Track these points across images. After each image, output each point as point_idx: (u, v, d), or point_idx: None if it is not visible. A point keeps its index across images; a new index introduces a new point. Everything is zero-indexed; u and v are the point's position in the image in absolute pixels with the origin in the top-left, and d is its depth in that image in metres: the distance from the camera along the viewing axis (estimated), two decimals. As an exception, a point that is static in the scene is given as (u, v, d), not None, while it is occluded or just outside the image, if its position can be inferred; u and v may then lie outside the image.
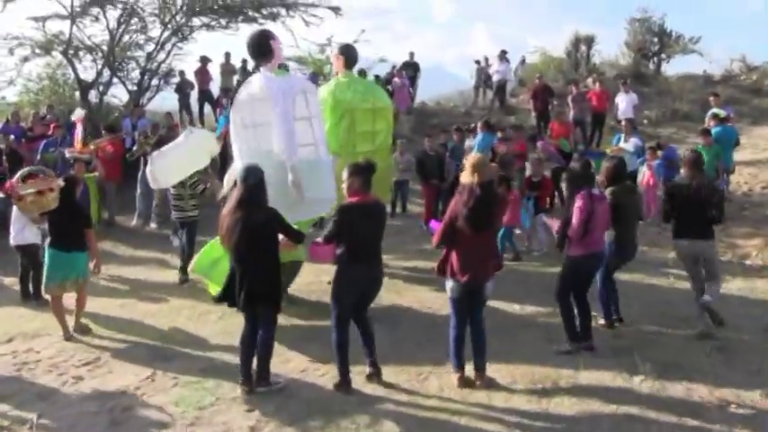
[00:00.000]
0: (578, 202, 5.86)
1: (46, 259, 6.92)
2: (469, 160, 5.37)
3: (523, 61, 22.68)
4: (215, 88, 17.29)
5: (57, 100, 15.86)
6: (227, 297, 5.57)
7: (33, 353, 6.56)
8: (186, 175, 8.48)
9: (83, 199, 9.22)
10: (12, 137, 12.38)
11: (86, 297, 7.17)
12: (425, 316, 7.35)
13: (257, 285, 5.26)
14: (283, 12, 16.57)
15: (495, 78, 19.48)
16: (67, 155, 10.45)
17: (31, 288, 8.29)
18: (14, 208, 7.90)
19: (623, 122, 13.15)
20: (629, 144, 11.66)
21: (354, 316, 5.47)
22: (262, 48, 6.83)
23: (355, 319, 5.50)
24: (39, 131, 13.23)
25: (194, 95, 17.06)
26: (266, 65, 6.85)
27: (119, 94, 17.34)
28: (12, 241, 8.21)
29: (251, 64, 17.38)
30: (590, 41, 22.41)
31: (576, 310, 6.13)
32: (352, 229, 5.20)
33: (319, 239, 5.48)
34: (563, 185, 12.08)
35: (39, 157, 12.05)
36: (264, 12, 16.62)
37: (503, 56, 19.44)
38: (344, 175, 5.36)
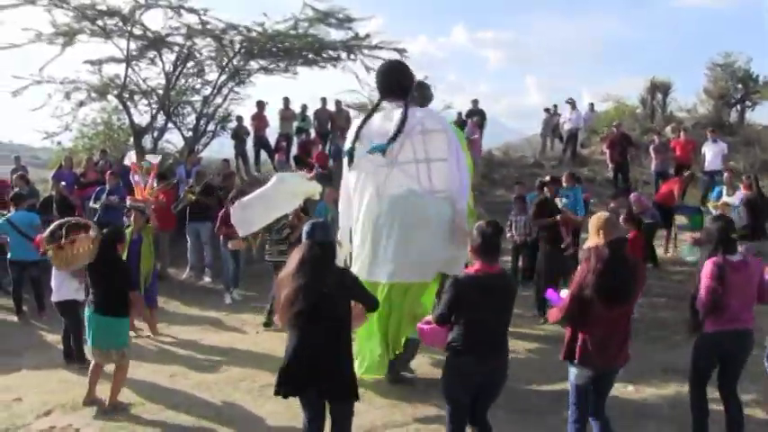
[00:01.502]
0: (707, 268, 4.74)
1: (86, 320, 6.12)
2: (594, 219, 4.37)
3: (592, 109, 21.58)
4: (271, 134, 16.68)
5: (111, 145, 15.45)
6: (282, 383, 4.36)
7: (72, 429, 5.66)
8: (270, 220, 7.99)
9: (134, 253, 8.49)
10: (63, 183, 11.87)
11: (126, 372, 6.21)
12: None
13: (326, 371, 4.16)
14: (344, 55, 15.88)
15: (566, 127, 18.38)
16: (129, 203, 9.74)
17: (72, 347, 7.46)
18: None
19: (726, 174, 11.79)
20: (734, 198, 10.35)
21: (471, 417, 4.37)
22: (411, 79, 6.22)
23: (471, 421, 4.39)
24: (91, 177, 12.74)
25: (251, 141, 16.42)
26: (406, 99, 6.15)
27: (173, 140, 16.91)
28: (52, 297, 7.44)
29: (311, 109, 16.87)
30: (667, 88, 21.14)
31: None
32: (469, 310, 4.15)
33: (429, 318, 4.45)
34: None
35: (90, 204, 11.53)
36: (325, 55, 16.00)
37: (573, 104, 18.45)
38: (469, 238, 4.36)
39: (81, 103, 15.31)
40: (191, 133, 16.15)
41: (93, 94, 15.23)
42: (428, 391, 6.18)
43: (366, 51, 15.82)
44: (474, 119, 17.67)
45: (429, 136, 6.04)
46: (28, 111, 14.91)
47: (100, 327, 5.97)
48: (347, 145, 6.36)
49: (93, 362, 6.19)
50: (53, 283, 7.34)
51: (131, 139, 15.46)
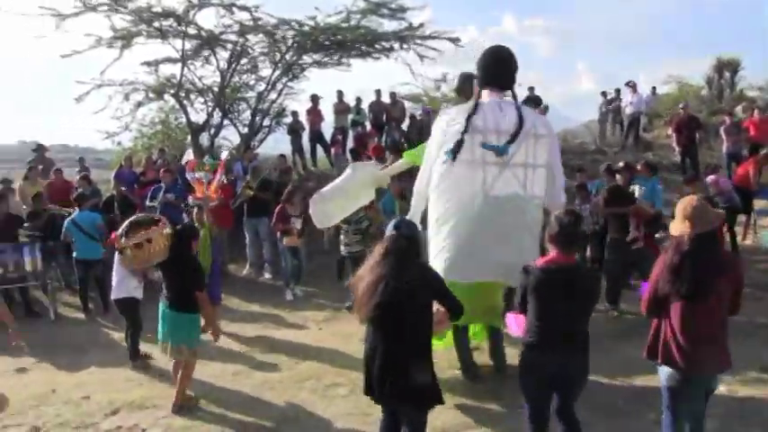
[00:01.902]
0: None
1: (159, 318, 6.08)
2: (682, 204, 3.97)
3: (654, 92, 20.78)
4: (326, 128, 16.61)
5: (169, 144, 15.61)
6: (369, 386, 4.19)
7: (139, 429, 5.64)
8: (350, 212, 8.04)
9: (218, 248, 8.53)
10: (123, 188, 11.97)
11: (192, 370, 6.16)
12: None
13: (404, 375, 3.94)
14: (396, 46, 15.63)
15: (627, 111, 17.69)
16: (191, 201, 9.75)
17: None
18: (115, 258, 7.23)
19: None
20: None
21: (557, 411, 4.13)
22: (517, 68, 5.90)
23: (557, 414, 4.14)
24: (151, 176, 12.84)
25: (306, 136, 16.36)
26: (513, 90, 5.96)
27: (230, 137, 16.97)
28: (111, 295, 7.48)
29: (366, 102, 16.67)
30: (735, 67, 20.17)
31: None
32: (538, 301, 3.92)
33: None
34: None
35: (147, 203, 11.62)
36: (378, 46, 15.78)
37: (635, 87, 17.77)
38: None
39: (139, 104, 15.52)
40: (246, 129, 16.16)
41: (151, 95, 15.41)
42: (499, 391, 5.98)
43: (419, 41, 15.54)
44: (541, 106, 17.24)
45: (539, 141, 5.80)
46: (90, 114, 15.23)
47: (172, 322, 5.93)
48: (449, 137, 5.80)
49: (172, 360, 6.14)
50: (113, 281, 7.37)
51: (188, 137, 15.57)
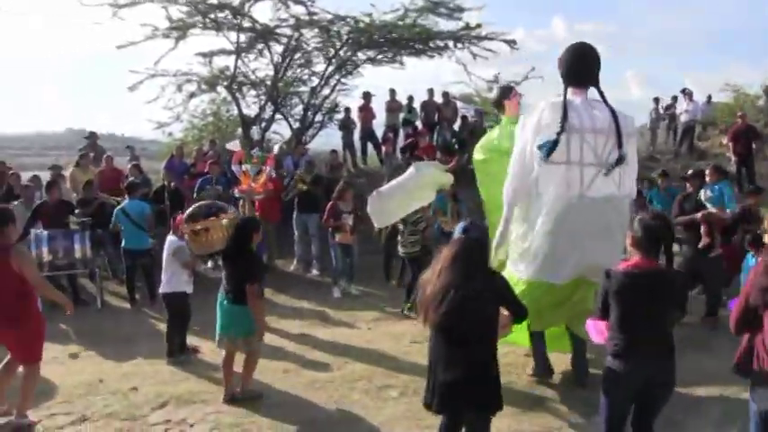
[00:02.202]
0: None
1: (217, 307, 5.93)
2: None
3: (709, 100, 20.11)
4: (377, 126, 16.42)
5: (220, 136, 15.58)
6: (432, 395, 4.00)
7: (186, 425, 5.47)
8: (409, 211, 7.93)
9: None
10: (173, 177, 11.97)
11: (256, 360, 6.02)
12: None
13: (471, 382, 3.78)
14: (451, 45, 15.37)
15: (682, 119, 17.29)
16: (236, 193, 9.63)
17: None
18: (164, 252, 7.15)
19: None
20: None
21: (633, 422, 3.89)
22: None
23: (633, 426, 3.91)
24: (201, 168, 12.79)
25: (357, 133, 16.18)
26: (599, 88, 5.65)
27: (281, 131, 16.89)
28: (160, 288, 7.32)
29: (418, 101, 16.45)
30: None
31: None
32: (621, 307, 3.67)
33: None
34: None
35: (195, 195, 11.56)
36: (432, 45, 15.55)
37: (691, 95, 17.31)
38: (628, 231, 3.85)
39: (192, 95, 15.56)
40: (298, 124, 16.05)
41: (204, 86, 15.42)
42: (569, 399, 5.73)
43: (475, 41, 15.26)
44: None
45: (630, 140, 5.61)
46: (139, 104, 15.43)
47: (230, 314, 5.79)
48: (544, 136, 5.50)
49: (224, 353, 5.98)
50: (163, 275, 7.23)
51: (239, 130, 15.55)
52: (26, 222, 9.55)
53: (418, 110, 16.65)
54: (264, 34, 14.63)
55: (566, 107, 5.43)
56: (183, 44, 14.65)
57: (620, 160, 5.43)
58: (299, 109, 16.53)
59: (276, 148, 10.16)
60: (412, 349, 7.43)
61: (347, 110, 16.38)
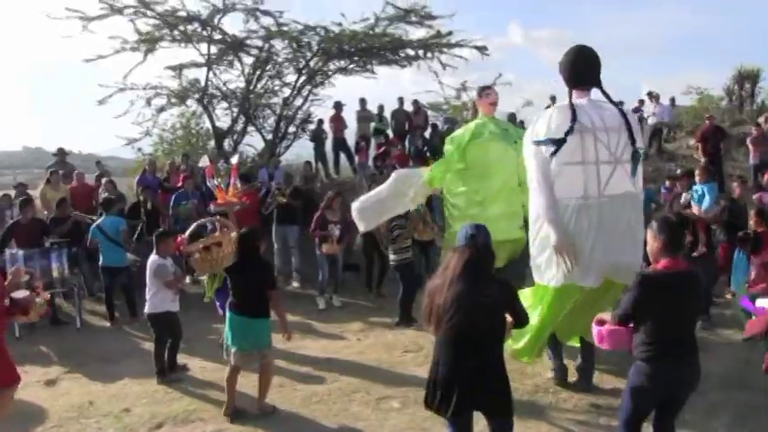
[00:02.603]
0: None
1: (227, 325, 5.83)
2: None
3: (673, 103, 20.56)
4: (348, 135, 16.33)
5: (191, 150, 15.37)
6: (438, 399, 3.88)
7: (186, 444, 5.38)
8: (387, 217, 7.92)
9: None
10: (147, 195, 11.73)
11: (271, 372, 6.05)
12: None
13: (486, 386, 3.76)
14: (422, 52, 15.44)
15: (650, 121, 17.57)
16: (212, 208, 9.46)
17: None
18: (147, 272, 7.06)
19: None
20: None
21: (655, 423, 3.92)
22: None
23: (655, 428, 3.94)
24: (174, 182, 12.63)
25: (329, 144, 16.11)
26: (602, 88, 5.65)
27: (254, 143, 16.76)
28: (146, 309, 7.15)
29: (388, 110, 16.46)
30: (755, 77, 19.95)
31: None
32: (657, 310, 3.67)
33: (604, 316, 4.01)
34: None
35: (170, 210, 11.40)
36: (402, 53, 15.59)
37: (657, 98, 17.69)
38: (649, 232, 3.85)
39: (161, 109, 15.33)
40: (271, 136, 15.93)
41: (174, 100, 15.21)
42: (553, 404, 5.79)
43: (445, 50, 15.35)
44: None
45: (638, 136, 5.58)
46: (95, 122, 15.16)
47: (249, 328, 5.73)
48: (551, 134, 5.43)
49: (229, 367, 5.87)
50: (147, 295, 7.10)
51: (211, 143, 15.39)
52: (-1, 241, 9.35)
53: (389, 119, 16.65)
54: (235, 46, 14.51)
55: (574, 109, 5.45)
56: (152, 58, 14.49)
57: (636, 155, 5.41)
58: (271, 120, 16.41)
59: (234, 159, 10.00)
60: (405, 359, 7.42)
61: (319, 121, 16.28)
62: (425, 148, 16.14)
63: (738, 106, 19.86)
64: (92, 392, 6.77)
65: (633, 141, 5.43)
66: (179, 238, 6.21)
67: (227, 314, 5.83)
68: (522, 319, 4.04)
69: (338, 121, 15.93)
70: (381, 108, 16.62)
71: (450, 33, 14.96)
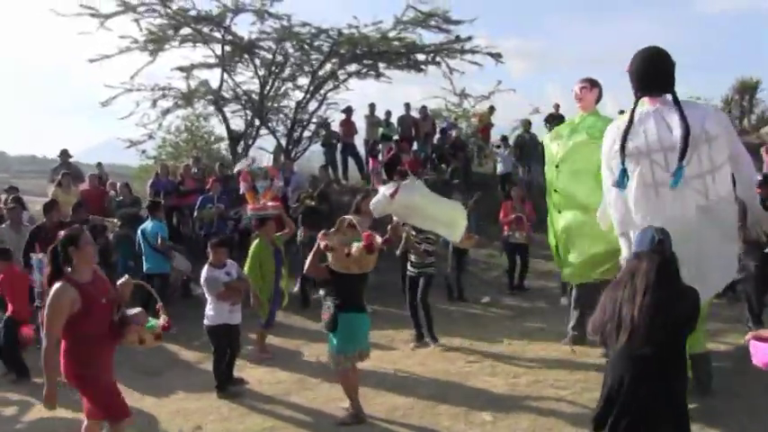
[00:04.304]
0: None
1: (340, 328, 5.52)
2: None
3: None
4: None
5: (198, 152, 14.93)
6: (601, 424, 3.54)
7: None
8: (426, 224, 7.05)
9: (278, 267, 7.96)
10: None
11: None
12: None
13: (672, 413, 3.45)
14: (438, 58, 15.27)
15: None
16: (249, 212, 9.08)
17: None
18: (204, 284, 6.76)
19: None
20: None
21: None
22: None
23: None
24: (190, 185, 12.21)
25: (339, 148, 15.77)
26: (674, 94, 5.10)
27: (265, 146, 16.37)
28: (205, 321, 6.80)
29: (396, 115, 16.24)
30: (754, 88, 20.16)
31: None
32: None
33: (764, 333, 3.70)
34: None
35: (195, 213, 11.02)
36: (412, 58, 15.41)
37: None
38: None
39: (167, 111, 14.86)
40: (285, 139, 15.54)
41: (180, 102, 14.74)
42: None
43: (456, 55, 15.22)
44: (550, 126, 16.93)
45: (713, 143, 5.00)
46: (78, 127, 14.66)
47: (362, 327, 5.73)
48: (614, 164, 5.13)
49: (346, 371, 5.68)
50: (207, 307, 6.78)
51: (220, 146, 14.99)
52: (25, 247, 8.83)
53: (396, 124, 16.41)
54: (247, 47, 14.13)
55: (627, 130, 5.10)
56: (160, 59, 14.05)
57: (677, 174, 5.02)
58: (285, 124, 15.99)
59: (266, 160, 9.65)
60: (473, 369, 7.14)
61: (329, 125, 15.98)
62: (434, 155, 16.01)
63: (739, 117, 19.94)
64: (150, 408, 6.39)
65: (682, 158, 4.88)
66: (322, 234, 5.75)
67: (340, 318, 5.51)
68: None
69: (348, 126, 15.67)
70: (389, 114, 16.42)
71: (469, 38, 14.81)
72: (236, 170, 10.15)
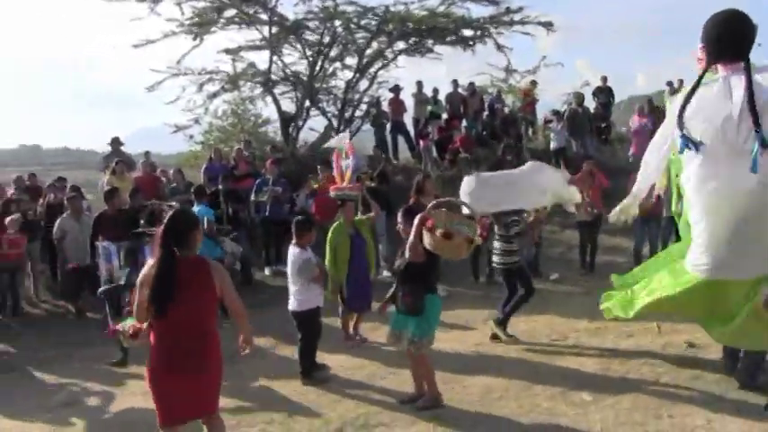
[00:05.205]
0: None
1: (428, 310, 5.38)
2: None
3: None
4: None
5: (246, 136, 14.77)
6: None
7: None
8: (510, 207, 7.00)
9: (361, 253, 7.76)
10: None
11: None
12: None
13: None
14: (487, 30, 14.93)
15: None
16: (332, 194, 8.83)
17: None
18: (289, 268, 6.56)
19: None
20: None
21: None
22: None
23: None
24: (243, 169, 12.09)
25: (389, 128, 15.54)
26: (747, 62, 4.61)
27: (316, 127, 16.26)
28: (290, 306, 6.60)
29: (443, 93, 15.93)
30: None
31: None
32: None
33: None
34: None
35: (252, 197, 10.89)
36: (465, 32, 15.09)
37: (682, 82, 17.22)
38: None
39: (214, 95, 14.72)
40: (337, 120, 15.33)
41: (227, 85, 14.59)
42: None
43: (509, 28, 14.87)
44: (599, 98, 16.47)
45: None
46: (92, 118, 14.57)
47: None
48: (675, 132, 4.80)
49: (422, 357, 5.53)
50: (291, 291, 6.58)
51: (266, 128, 14.84)
52: (91, 236, 8.80)
53: (444, 102, 16.12)
54: (294, 28, 13.91)
55: (687, 99, 4.60)
56: (205, 42, 13.88)
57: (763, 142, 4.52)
58: (335, 105, 15.80)
59: (345, 137, 9.26)
60: (557, 348, 6.95)
61: (380, 104, 15.72)
62: (485, 132, 15.70)
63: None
64: (231, 394, 6.19)
65: (757, 126, 4.45)
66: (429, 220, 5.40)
67: (430, 300, 5.38)
68: None
69: (397, 104, 15.42)
70: (436, 91, 16.15)
71: (520, 9, 14.42)
72: (332, 146, 9.62)
